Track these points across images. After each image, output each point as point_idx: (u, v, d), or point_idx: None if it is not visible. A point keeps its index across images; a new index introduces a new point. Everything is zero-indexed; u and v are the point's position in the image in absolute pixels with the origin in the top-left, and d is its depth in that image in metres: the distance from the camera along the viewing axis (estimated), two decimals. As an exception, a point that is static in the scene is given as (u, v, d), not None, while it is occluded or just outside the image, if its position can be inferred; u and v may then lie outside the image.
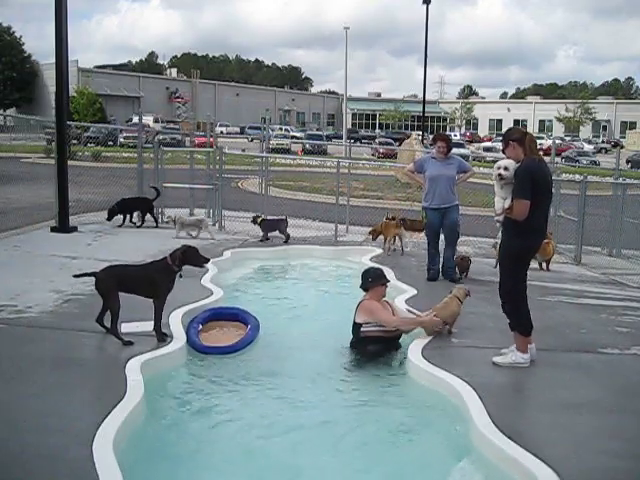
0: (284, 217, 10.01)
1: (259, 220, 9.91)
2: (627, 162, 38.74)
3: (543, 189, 4.77)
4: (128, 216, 10.76)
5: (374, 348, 5.19)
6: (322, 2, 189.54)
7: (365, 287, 5.47)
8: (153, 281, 5.08)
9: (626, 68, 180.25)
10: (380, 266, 8.18)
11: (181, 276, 5.20)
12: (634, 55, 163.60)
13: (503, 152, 5.16)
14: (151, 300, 5.09)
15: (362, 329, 5.27)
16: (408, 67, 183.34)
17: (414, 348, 5.13)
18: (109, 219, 10.55)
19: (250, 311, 5.87)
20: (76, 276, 5.35)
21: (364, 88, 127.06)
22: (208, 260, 5.39)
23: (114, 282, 5.00)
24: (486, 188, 10.32)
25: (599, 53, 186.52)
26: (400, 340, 5.40)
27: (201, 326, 5.49)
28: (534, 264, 9.02)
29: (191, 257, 5.19)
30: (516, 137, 4.91)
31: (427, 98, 39.41)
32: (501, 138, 5.23)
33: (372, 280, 5.45)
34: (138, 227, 10.73)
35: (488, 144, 53.39)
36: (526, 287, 4.96)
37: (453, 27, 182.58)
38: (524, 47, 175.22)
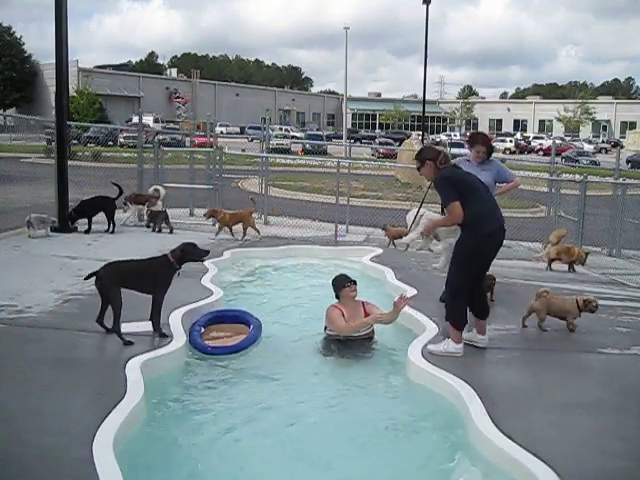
0: (164, 209, 10.65)
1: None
2: (627, 162, 38.79)
3: (463, 189, 4.92)
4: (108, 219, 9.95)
5: (338, 347, 5.35)
6: (323, 2, 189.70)
7: (336, 295, 5.71)
8: (154, 277, 5.12)
9: (628, 68, 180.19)
10: (379, 265, 8.21)
11: (179, 274, 5.22)
12: (636, 55, 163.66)
13: (418, 170, 5.30)
14: (149, 298, 5.11)
15: (327, 331, 5.55)
16: (410, 67, 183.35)
17: (414, 348, 5.12)
18: (72, 224, 9.81)
19: (251, 311, 5.88)
20: (87, 278, 5.29)
21: (365, 88, 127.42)
22: (208, 252, 5.41)
23: (116, 279, 5.00)
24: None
25: (601, 53, 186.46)
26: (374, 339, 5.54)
27: (203, 329, 5.49)
28: (562, 266, 9.02)
29: (191, 253, 5.24)
30: (431, 156, 5.10)
31: (427, 98, 39.43)
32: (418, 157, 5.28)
33: (335, 288, 5.69)
34: (110, 232, 9.87)
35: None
36: (474, 286, 5.06)
37: (454, 27, 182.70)
38: (525, 47, 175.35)
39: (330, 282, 5.84)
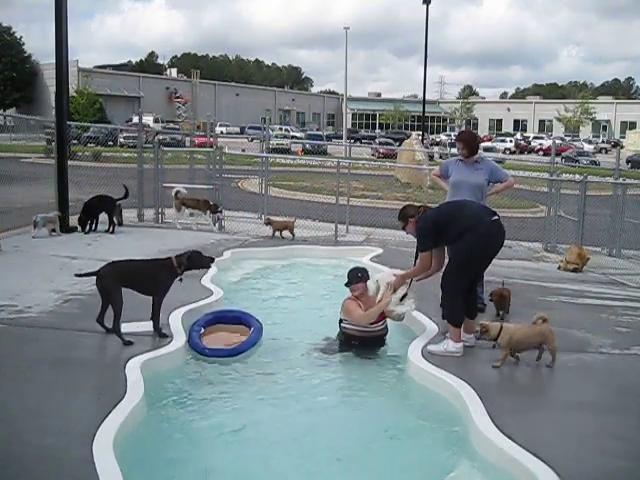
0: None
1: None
2: (627, 162, 38.79)
3: (446, 215, 5.19)
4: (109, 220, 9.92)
5: (354, 343, 5.36)
6: (324, 2, 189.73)
7: (348, 287, 5.64)
8: (154, 278, 5.10)
9: (630, 68, 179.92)
10: (379, 265, 8.20)
11: (181, 280, 5.22)
12: (638, 55, 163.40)
13: (403, 229, 5.53)
14: (149, 298, 5.13)
15: (342, 324, 5.47)
16: (411, 67, 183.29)
17: (414, 348, 5.13)
18: (85, 230, 9.74)
19: (251, 312, 5.87)
20: (78, 275, 5.32)
21: (367, 88, 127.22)
22: (213, 260, 5.46)
23: (117, 279, 4.99)
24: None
25: (603, 53, 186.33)
26: (386, 338, 5.54)
27: (203, 329, 5.47)
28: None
29: (197, 261, 5.25)
30: (412, 213, 5.37)
31: (427, 98, 39.44)
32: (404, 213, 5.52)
33: (348, 281, 5.57)
34: (111, 232, 9.83)
35: (488, 144, 53.45)
36: (468, 287, 5.16)
37: (456, 27, 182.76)
38: (527, 47, 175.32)
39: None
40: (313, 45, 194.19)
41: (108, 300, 5.03)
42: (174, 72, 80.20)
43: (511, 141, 59.64)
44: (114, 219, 10.04)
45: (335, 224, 10.62)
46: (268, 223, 10.42)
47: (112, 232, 9.87)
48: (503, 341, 4.82)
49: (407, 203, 6.39)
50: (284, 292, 7.37)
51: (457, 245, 5.10)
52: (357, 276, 5.57)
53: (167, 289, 5.17)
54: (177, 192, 10.86)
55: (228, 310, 5.99)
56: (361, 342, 5.36)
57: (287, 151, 33.85)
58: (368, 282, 5.50)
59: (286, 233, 10.25)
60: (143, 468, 3.44)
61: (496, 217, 5.12)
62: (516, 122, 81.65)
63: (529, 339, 4.87)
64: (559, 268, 9.16)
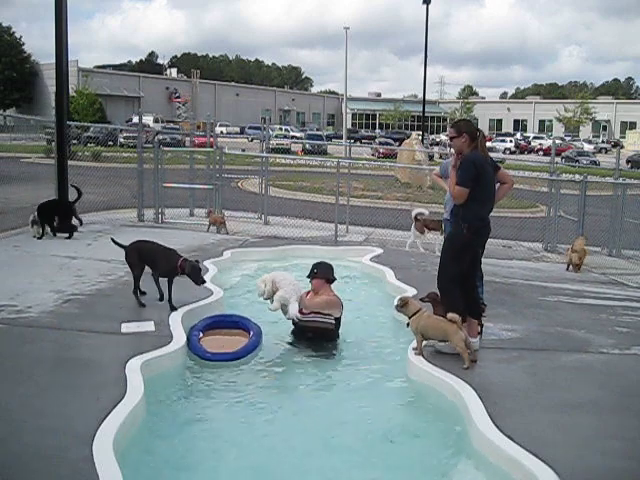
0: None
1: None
2: (627, 162, 38.82)
3: (483, 182, 4.98)
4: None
5: (310, 336, 5.51)
6: (326, 2, 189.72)
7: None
8: (165, 262, 5.77)
9: (630, 68, 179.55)
10: (379, 265, 8.20)
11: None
12: (638, 55, 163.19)
13: (451, 140, 5.21)
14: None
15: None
16: (412, 67, 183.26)
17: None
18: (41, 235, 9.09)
19: (251, 312, 5.87)
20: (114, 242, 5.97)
21: (368, 88, 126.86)
22: (204, 282, 5.99)
23: (137, 255, 5.73)
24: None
25: (603, 53, 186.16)
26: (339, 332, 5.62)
27: (202, 334, 5.45)
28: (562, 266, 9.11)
29: (195, 274, 5.75)
30: (470, 131, 5.07)
31: (428, 98, 39.41)
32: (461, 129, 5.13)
33: (308, 274, 5.86)
34: (53, 234, 9.15)
35: (488, 144, 53.24)
36: (465, 277, 5.14)
37: (458, 27, 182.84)
38: (528, 47, 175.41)
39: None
40: (314, 45, 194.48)
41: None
42: (174, 72, 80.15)
43: (511, 141, 59.61)
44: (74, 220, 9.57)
45: (335, 224, 10.62)
46: (208, 214, 10.98)
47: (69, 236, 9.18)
48: (413, 325, 4.93)
49: (468, 119, 6.12)
50: (284, 292, 7.35)
51: (447, 240, 5.25)
52: (312, 272, 5.80)
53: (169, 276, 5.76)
54: (418, 214, 9.94)
55: (226, 315, 5.94)
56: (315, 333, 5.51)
57: (287, 151, 33.83)
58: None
59: (226, 226, 10.69)
60: (143, 468, 3.44)
61: (488, 221, 5.20)
62: (516, 122, 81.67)
63: (429, 330, 4.89)
64: (568, 267, 9.13)
